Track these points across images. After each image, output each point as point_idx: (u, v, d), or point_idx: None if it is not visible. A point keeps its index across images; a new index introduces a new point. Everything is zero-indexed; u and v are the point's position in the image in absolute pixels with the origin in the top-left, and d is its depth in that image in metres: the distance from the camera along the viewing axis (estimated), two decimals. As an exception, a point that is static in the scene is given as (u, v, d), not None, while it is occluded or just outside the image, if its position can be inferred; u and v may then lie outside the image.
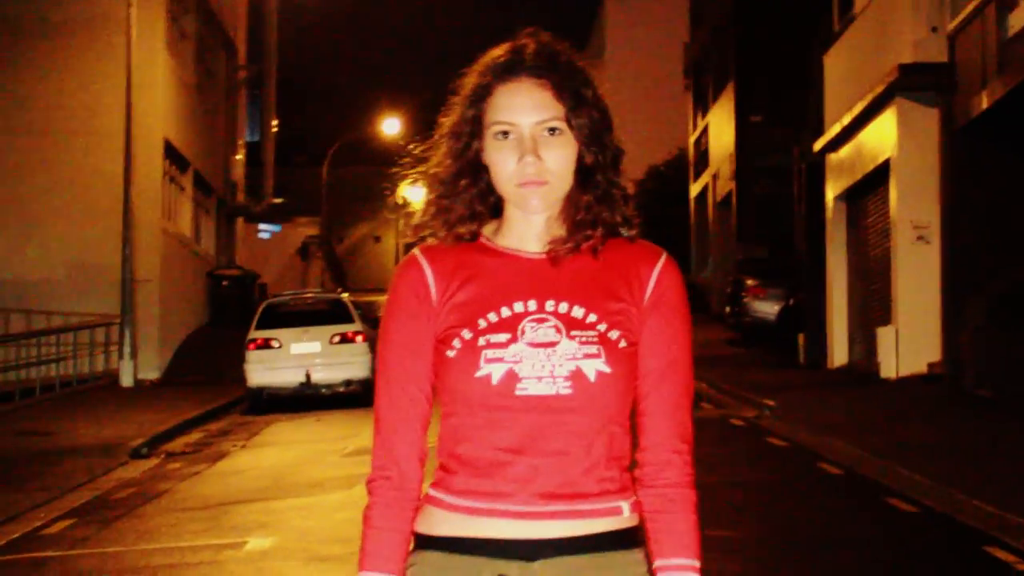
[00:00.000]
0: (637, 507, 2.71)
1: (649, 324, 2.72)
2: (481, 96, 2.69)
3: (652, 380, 2.72)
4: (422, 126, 2.96)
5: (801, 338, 28.40)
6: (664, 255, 2.81)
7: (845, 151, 26.02)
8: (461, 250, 2.73)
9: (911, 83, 21.97)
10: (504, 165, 2.66)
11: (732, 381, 23.74)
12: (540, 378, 2.61)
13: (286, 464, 16.09)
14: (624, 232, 2.85)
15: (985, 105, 19.55)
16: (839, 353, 26.47)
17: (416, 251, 2.75)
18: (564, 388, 2.61)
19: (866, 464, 13.96)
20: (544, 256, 2.73)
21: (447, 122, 2.76)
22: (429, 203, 2.78)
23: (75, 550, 11.01)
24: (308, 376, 23.67)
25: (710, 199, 44.28)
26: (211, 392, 26.15)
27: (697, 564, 2.67)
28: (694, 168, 47.93)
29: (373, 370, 19.16)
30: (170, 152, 32.64)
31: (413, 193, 77.92)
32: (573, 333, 2.64)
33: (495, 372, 2.61)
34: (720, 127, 42.08)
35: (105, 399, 24.91)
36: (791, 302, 30.78)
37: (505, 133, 2.66)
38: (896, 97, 22.41)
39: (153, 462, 17.18)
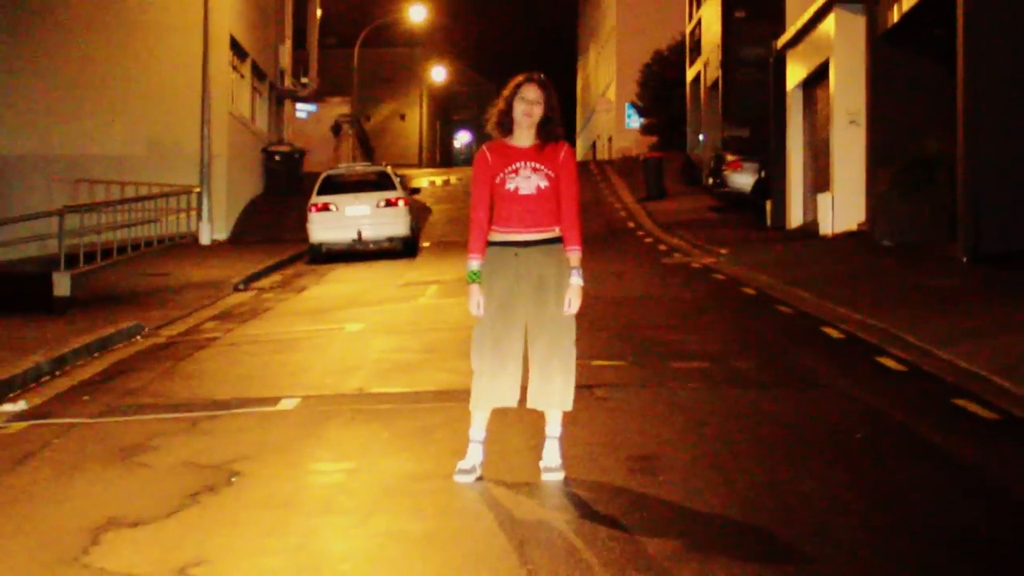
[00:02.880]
0: (561, 230, 8.16)
1: (562, 171, 8.17)
2: (515, 88, 8.10)
3: (563, 192, 8.17)
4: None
5: (768, 204, 33.82)
6: (567, 145, 8.28)
7: (801, 48, 31.26)
8: (500, 143, 8.18)
9: (845, -4, 27.23)
10: (520, 110, 8.09)
11: (703, 238, 29.22)
12: (528, 187, 8.07)
13: (355, 292, 21.72)
14: (561, 138, 8.29)
15: (896, 18, 24.74)
16: (795, 216, 31.92)
17: (484, 145, 8.20)
18: (534, 191, 8.09)
19: (774, 288, 19.53)
20: (530, 147, 8.16)
21: (503, 96, 8.15)
22: (492, 122, 8.19)
23: (229, 333, 16.65)
24: (359, 233, 29.14)
25: (702, 84, 49.41)
26: (275, 248, 31.55)
27: (579, 248, 8.14)
28: (690, 55, 53.05)
29: (412, 229, 25.50)
30: (234, 45, 38.03)
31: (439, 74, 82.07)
32: (538, 173, 8.12)
33: (511, 186, 8.09)
34: (710, 20, 47.14)
35: (193, 253, 30.54)
36: (763, 175, 36.06)
37: (523, 99, 8.08)
38: (835, 7, 27.63)
39: (251, 293, 22.80)
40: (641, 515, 7.36)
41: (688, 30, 53.82)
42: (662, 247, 29.22)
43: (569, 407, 8.26)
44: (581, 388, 9.35)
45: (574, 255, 8.13)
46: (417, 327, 16.00)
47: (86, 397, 12.22)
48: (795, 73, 31.99)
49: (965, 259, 20.40)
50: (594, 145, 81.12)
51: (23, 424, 10.91)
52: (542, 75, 8.27)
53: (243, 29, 39.44)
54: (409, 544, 7.04)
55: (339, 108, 70.01)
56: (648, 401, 10.88)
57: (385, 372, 12.78)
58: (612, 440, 9.31)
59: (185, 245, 32.39)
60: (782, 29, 33.95)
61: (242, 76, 40.47)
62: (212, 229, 33.39)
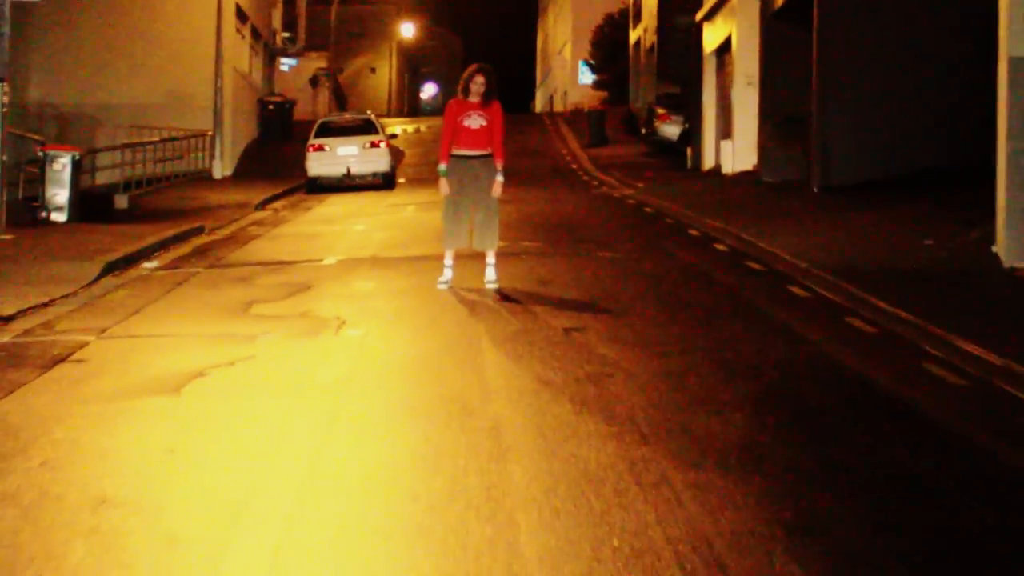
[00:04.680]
0: (492, 150, 14.80)
1: (494, 117, 14.80)
2: (470, 75, 14.73)
3: (494, 129, 14.83)
4: None
5: (689, 151, 40.41)
6: (498, 103, 14.95)
7: (715, 21, 37.80)
8: (461, 100, 14.78)
9: (744, -17, 33.72)
10: (472, 88, 14.71)
11: (630, 176, 35.81)
12: (474, 125, 14.70)
13: (352, 210, 28.25)
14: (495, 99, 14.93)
15: (780, 2, 31.27)
16: (708, 160, 38.53)
17: (451, 100, 14.81)
18: (477, 127, 14.73)
19: (667, 208, 26.13)
20: (477, 103, 14.76)
21: (463, 78, 14.80)
22: (459, 89, 14.79)
23: (268, 232, 23.17)
24: (348, 169, 35.64)
25: (643, 46, 55.96)
26: (276, 182, 37.84)
27: (502, 160, 14.80)
28: (633, 21, 59.59)
29: (391, 167, 32.85)
30: (238, 11, 44.40)
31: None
32: (480, 117, 14.76)
33: (465, 123, 14.73)
34: (649, -9, 53.74)
35: (210, 184, 36.95)
36: (687, 126, 42.61)
37: (474, 82, 14.68)
38: (736, -9, 34.21)
39: (269, 211, 29.28)
40: (536, 298, 13.96)
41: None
42: (594, 183, 35.84)
43: (496, 248, 14.84)
44: (512, 255, 16.12)
45: (498, 164, 14.76)
46: (404, 227, 22.61)
47: (193, 259, 18.80)
48: (710, 41, 38.53)
49: (816, 190, 27.01)
50: (551, 99, 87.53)
51: (163, 271, 17.48)
52: (485, 66, 14.80)
53: (245, -4, 45.86)
54: (414, 306, 13.68)
55: (317, 62, 76.23)
56: (552, 259, 17.51)
57: (387, 247, 19.42)
58: (527, 274, 15.89)
59: (201, 179, 38.77)
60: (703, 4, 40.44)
61: (243, 37, 46.87)
62: (222, 166, 39.78)
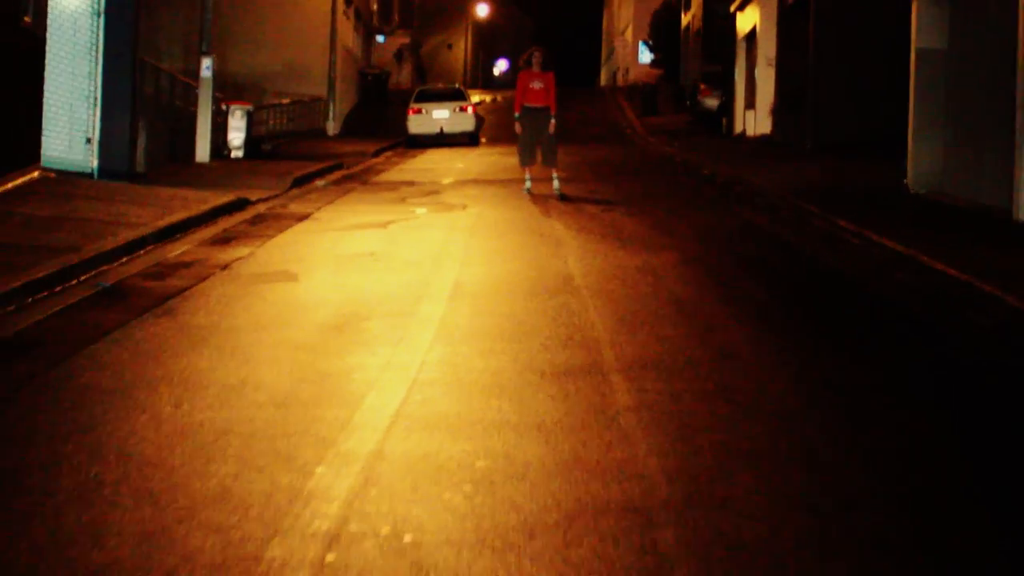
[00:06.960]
0: (549, 104, 22.79)
1: (549, 82, 22.81)
2: (531, 53, 22.79)
3: (549, 90, 22.85)
4: None
5: (724, 120, 48.11)
6: (552, 72, 23.10)
7: (745, 11, 45.48)
8: (527, 70, 22.78)
9: (766, -18, 41.40)
10: (533, 60, 22.76)
11: (672, 138, 43.60)
12: (536, 87, 22.72)
13: (448, 157, 36.24)
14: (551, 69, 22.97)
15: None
16: (738, 126, 46.23)
17: (521, 72, 22.84)
18: (539, 88, 22.76)
19: (691, 159, 33.92)
20: (537, 71, 22.78)
21: (526, 55, 22.89)
22: (522, 62, 22.87)
23: (392, 168, 31.19)
24: (441, 129, 43.65)
25: (691, 30, 63.60)
26: (379, 139, 45.90)
27: (554, 112, 22.83)
28: (684, 7, 67.29)
29: (476, 127, 41.75)
30: (346, -3, 52.65)
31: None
32: (540, 81, 22.81)
33: (530, 86, 22.75)
34: (698, -18, 61.40)
35: (328, 139, 45.09)
36: (724, 99, 50.29)
37: (534, 56, 22.71)
38: (760, -12, 41.89)
39: (383, 157, 37.33)
40: (585, 199, 21.86)
41: (683, -13, 68.12)
42: (642, 142, 43.74)
43: (558, 167, 22.79)
44: (572, 180, 24.06)
45: (552, 111, 22.59)
46: (492, 165, 30.67)
47: (348, 181, 26.85)
48: (741, 28, 46.19)
49: (809, 146, 34.72)
50: (615, 75, 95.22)
51: (332, 186, 25.53)
52: (541, 46, 22.78)
53: (351, -17, 53.98)
54: (507, 200, 21.65)
55: (401, 38, 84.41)
56: (599, 183, 25.40)
57: (484, 174, 27.44)
58: (581, 189, 23.79)
59: (318, 135, 46.92)
60: (742, -5, 48.04)
61: (348, 18, 54.98)
62: (334, 126, 47.93)
